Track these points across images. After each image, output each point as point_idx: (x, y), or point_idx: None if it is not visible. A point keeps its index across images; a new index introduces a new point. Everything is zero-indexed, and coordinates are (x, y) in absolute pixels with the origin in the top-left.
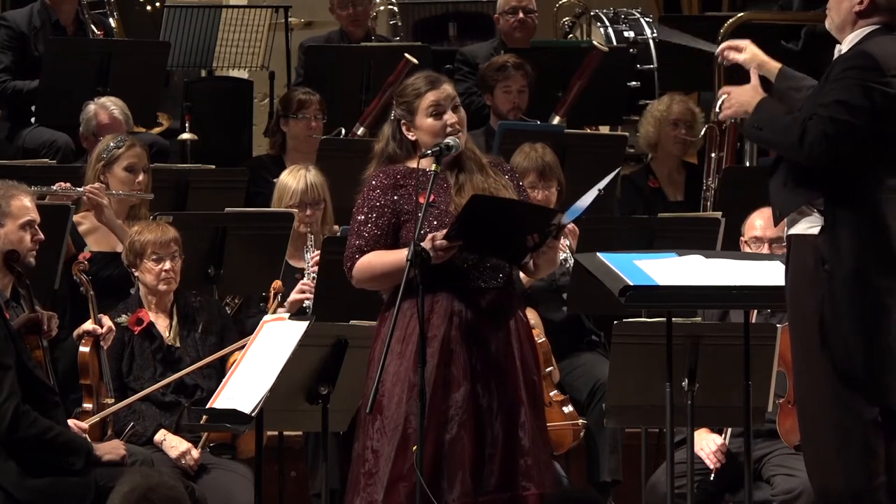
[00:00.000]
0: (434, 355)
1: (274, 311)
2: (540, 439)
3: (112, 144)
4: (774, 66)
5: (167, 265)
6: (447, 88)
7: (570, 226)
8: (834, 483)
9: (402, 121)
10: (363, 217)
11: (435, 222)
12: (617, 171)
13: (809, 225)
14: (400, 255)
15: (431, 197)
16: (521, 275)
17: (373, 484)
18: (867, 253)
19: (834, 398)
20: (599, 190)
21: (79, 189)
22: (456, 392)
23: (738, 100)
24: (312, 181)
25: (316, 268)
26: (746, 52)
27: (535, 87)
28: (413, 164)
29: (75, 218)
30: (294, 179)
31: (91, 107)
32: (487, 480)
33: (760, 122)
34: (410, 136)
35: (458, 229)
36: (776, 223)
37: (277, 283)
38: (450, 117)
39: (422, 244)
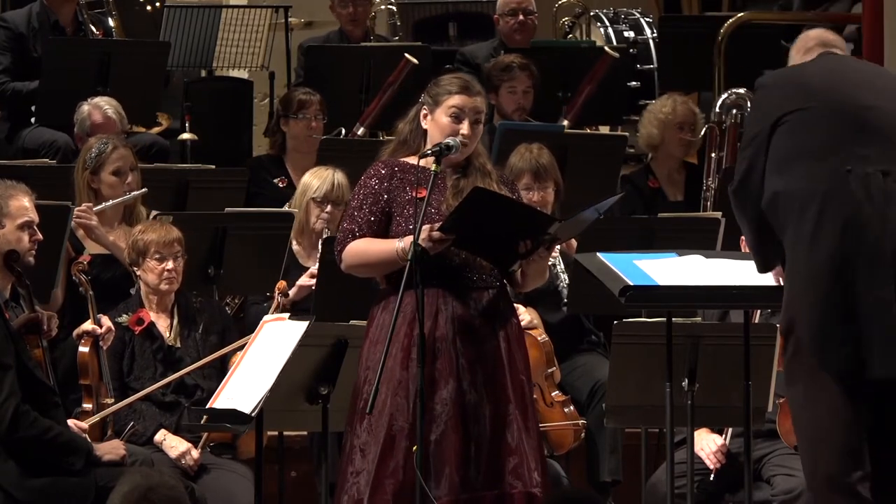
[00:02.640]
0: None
1: (272, 311)
2: (528, 439)
3: (95, 151)
4: None
5: (170, 265)
6: (478, 101)
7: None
8: (816, 478)
9: (425, 106)
10: (357, 203)
11: (427, 220)
12: (619, 195)
13: None
14: (390, 245)
15: (425, 193)
16: None
17: (359, 482)
18: (803, 240)
19: (812, 397)
20: (599, 213)
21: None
22: (443, 389)
23: None
24: (340, 181)
25: None
26: None
27: (536, 88)
28: (413, 160)
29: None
30: (320, 178)
31: (85, 107)
32: (474, 478)
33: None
34: (425, 123)
35: (455, 220)
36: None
37: (282, 284)
38: (464, 127)
39: (420, 245)
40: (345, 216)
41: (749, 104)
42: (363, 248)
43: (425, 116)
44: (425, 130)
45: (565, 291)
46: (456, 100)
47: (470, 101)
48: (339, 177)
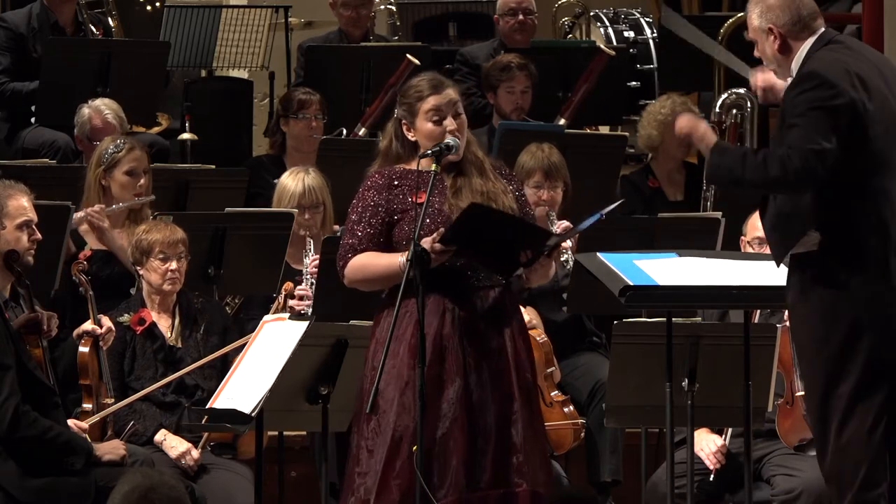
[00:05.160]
0: (427, 353)
1: (277, 311)
2: (534, 437)
3: (111, 149)
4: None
5: (173, 265)
6: (450, 93)
7: (567, 224)
8: (847, 488)
9: (403, 120)
10: (357, 216)
11: (429, 222)
12: (620, 202)
13: (802, 245)
14: (392, 259)
15: (429, 197)
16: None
17: (365, 483)
18: (863, 265)
19: (833, 415)
20: (601, 215)
21: (78, 215)
22: (449, 389)
23: (694, 124)
24: (311, 184)
25: (315, 271)
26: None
27: (535, 88)
28: (411, 165)
29: (76, 219)
30: (293, 182)
31: (85, 110)
32: (480, 477)
33: (727, 164)
34: (410, 136)
35: (453, 234)
36: (777, 266)
37: (289, 285)
38: (450, 123)
39: (421, 244)
40: (345, 231)
41: (749, 101)
42: (365, 263)
43: (409, 130)
44: (414, 141)
45: (567, 281)
46: (430, 102)
47: (443, 97)
48: (310, 180)
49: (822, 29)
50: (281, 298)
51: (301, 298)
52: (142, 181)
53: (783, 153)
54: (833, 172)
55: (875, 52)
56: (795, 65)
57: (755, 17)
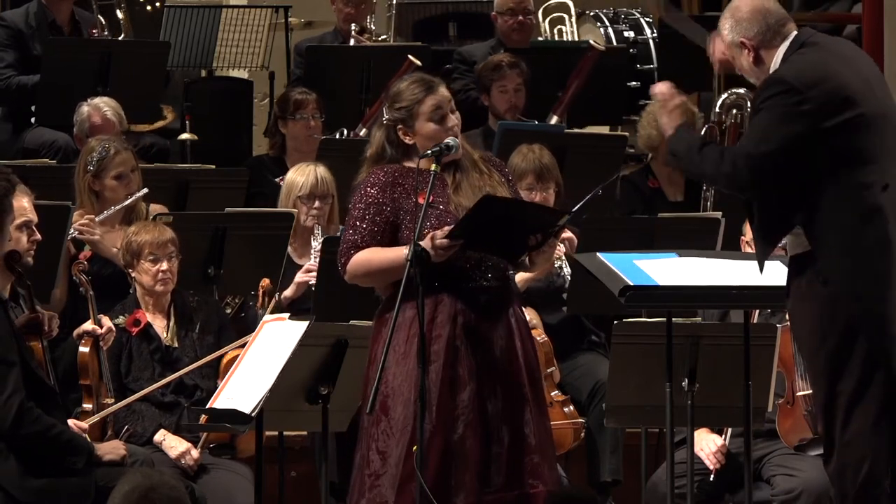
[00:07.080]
0: (440, 355)
1: (270, 311)
2: (546, 437)
3: (96, 155)
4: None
5: (164, 266)
6: (444, 91)
7: (569, 234)
8: (852, 481)
9: (399, 126)
10: (359, 213)
11: (435, 222)
12: (618, 174)
13: (800, 246)
14: (398, 253)
15: (431, 197)
16: (517, 276)
17: (380, 485)
18: (851, 262)
19: (837, 413)
20: (599, 190)
21: (70, 233)
22: (462, 392)
23: (674, 94)
24: (322, 175)
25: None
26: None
27: (534, 88)
28: (409, 164)
29: (74, 218)
30: (303, 175)
31: (84, 108)
32: (494, 479)
33: (678, 151)
34: (407, 140)
35: (464, 228)
36: (761, 272)
37: (266, 282)
38: (451, 120)
39: (421, 243)
40: (346, 226)
41: (749, 101)
42: (369, 258)
43: (406, 134)
44: (409, 145)
45: (562, 281)
46: (429, 103)
47: (440, 95)
48: (321, 171)
49: (795, 32)
50: (260, 295)
51: (309, 271)
52: (131, 181)
53: (718, 153)
54: (816, 172)
55: (851, 48)
56: (773, 68)
57: (727, 33)
